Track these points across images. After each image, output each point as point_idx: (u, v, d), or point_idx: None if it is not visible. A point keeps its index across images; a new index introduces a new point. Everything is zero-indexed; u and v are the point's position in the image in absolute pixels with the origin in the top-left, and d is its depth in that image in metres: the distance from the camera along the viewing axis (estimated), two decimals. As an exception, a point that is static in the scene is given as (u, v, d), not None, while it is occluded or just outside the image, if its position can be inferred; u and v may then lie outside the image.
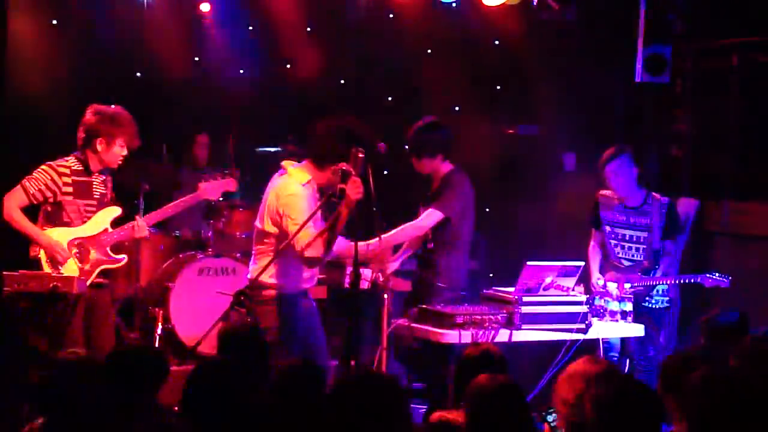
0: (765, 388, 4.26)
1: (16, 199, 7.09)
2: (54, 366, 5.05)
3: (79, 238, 7.24)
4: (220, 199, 8.75)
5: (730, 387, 4.23)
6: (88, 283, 7.22)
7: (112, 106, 7.36)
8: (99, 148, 7.25)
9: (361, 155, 6.47)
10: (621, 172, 8.11)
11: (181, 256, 9.16)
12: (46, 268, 7.11)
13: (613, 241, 8.25)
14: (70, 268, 7.18)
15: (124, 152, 7.32)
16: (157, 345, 8.77)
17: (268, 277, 6.67)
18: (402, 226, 7.64)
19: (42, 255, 7.15)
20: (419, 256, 7.89)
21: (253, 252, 6.90)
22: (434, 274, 7.70)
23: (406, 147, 7.69)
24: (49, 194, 7.15)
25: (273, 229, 6.74)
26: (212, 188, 7.92)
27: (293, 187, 6.73)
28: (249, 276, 6.86)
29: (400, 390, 4.40)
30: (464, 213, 7.73)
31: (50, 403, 4.80)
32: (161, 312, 8.87)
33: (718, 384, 4.25)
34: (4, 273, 6.76)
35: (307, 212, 6.58)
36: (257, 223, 6.88)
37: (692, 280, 8.00)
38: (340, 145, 6.67)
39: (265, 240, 6.79)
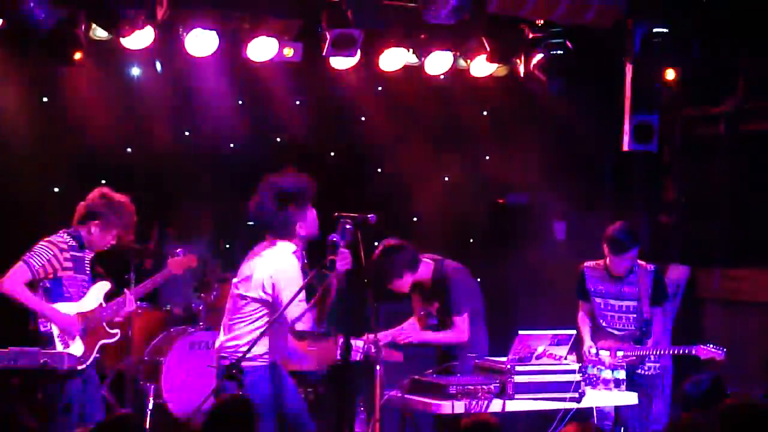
0: None
1: (20, 276, 7.11)
2: None
3: (81, 314, 7.25)
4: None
5: None
6: (91, 359, 7.24)
7: (117, 192, 7.42)
8: (93, 231, 7.30)
9: (348, 226, 6.53)
10: (627, 260, 8.13)
11: (172, 330, 9.13)
12: (58, 345, 7.11)
13: (603, 312, 8.24)
14: (77, 345, 7.18)
15: (113, 242, 7.38)
16: (148, 420, 8.72)
17: (241, 348, 6.68)
18: (445, 335, 7.86)
19: (54, 330, 7.14)
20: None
21: (228, 321, 6.92)
22: (459, 348, 7.82)
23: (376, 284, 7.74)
24: (50, 270, 7.17)
25: (254, 296, 6.77)
26: (177, 264, 7.93)
27: (287, 260, 6.78)
28: (220, 344, 6.89)
29: None
30: (472, 296, 7.94)
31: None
32: (153, 386, 8.82)
33: None
34: (-6, 349, 6.77)
35: (298, 284, 6.65)
36: (236, 291, 6.90)
37: (687, 352, 7.98)
38: (282, 207, 6.78)
39: (243, 308, 6.82)
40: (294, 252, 6.81)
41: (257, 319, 6.79)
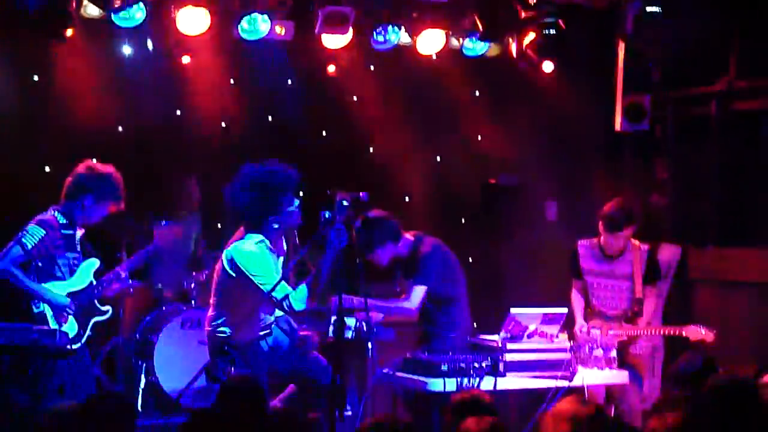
0: None
1: (14, 257, 7.08)
2: (44, 417, 5.00)
3: (73, 292, 7.23)
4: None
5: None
6: (84, 338, 7.23)
7: (103, 164, 7.40)
8: (87, 205, 7.26)
9: (345, 203, 6.53)
10: (621, 239, 8.12)
11: (164, 308, 9.13)
12: (53, 324, 7.09)
13: (595, 291, 8.25)
14: (70, 324, 7.17)
15: (106, 213, 7.35)
16: (140, 398, 8.73)
17: (227, 328, 6.74)
18: (394, 303, 7.72)
19: (47, 311, 7.12)
20: (420, 313, 7.88)
21: (213, 302, 7.07)
22: (438, 326, 7.76)
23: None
24: (43, 249, 7.14)
25: (228, 285, 6.92)
26: (163, 236, 7.90)
27: (247, 246, 6.86)
28: (209, 323, 7.02)
29: None
30: (445, 272, 7.79)
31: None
32: (144, 365, 8.83)
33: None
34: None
35: (270, 265, 6.77)
36: (215, 277, 7.06)
37: (677, 333, 7.99)
38: (254, 199, 6.81)
39: (223, 294, 6.97)
40: (260, 242, 6.87)
41: (238, 303, 6.89)
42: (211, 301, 7.13)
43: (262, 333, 7.02)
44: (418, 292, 7.65)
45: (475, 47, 9.70)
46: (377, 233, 7.69)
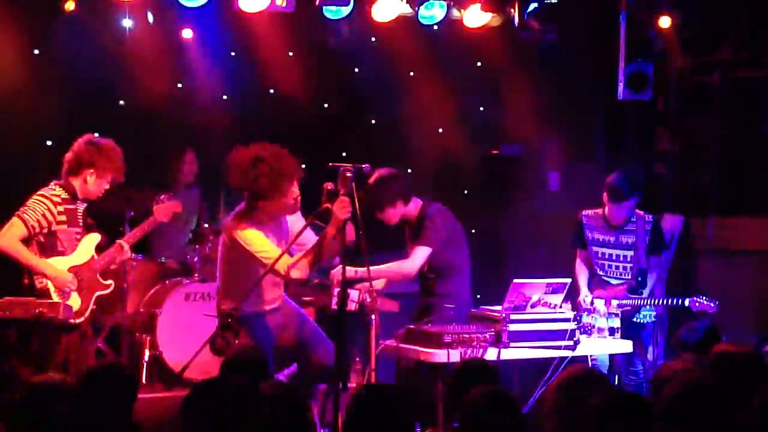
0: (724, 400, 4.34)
1: (15, 232, 7.06)
2: (29, 389, 5.00)
3: (75, 267, 7.23)
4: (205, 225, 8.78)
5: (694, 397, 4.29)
6: (88, 312, 7.24)
7: (102, 137, 7.39)
8: (89, 179, 7.25)
9: (349, 174, 6.51)
10: (626, 209, 8.11)
11: (167, 282, 9.14)
12: (56, 299, 7.09)
13: (600, 261, 8.25)
14: (74, 299, 7.18)
15: (107, 186, 7.34)
16: (144, 372, 8.75)
17: (232, 300, 6.78)
18: (393, 265, 7.63)
19: (50, 286, 7.12)
20: (420, 284, 7.87)
21: (218, 274, 7.18)
22: (437, 297, 7.72)
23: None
24: (45, 224, 7.13)
25: (228, 257, 7.00)
26: (162, 210, 7.85)
27: (244, 225, 6.90)
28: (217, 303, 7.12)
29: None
30: (450, 240, 7.72)
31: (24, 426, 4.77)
32: (148, 338, 8.85)
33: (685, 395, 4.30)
34: (-11, 300, 6.79)
35: (267, 239, 6.82)
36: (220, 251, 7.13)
37: (680, 303, 8.00)
38: (262, 177, 6.78)
39: (229, 266, 7.04)
40: (255, 226, 6.88)
41: (244, 275, 6.92)
42: (218, 273, 7.16)
43: (268, 308, 7.05)
44: (421, 252, 7.58)
45: (476, 18, 9.66)
46: (388, 191, 7.62)
